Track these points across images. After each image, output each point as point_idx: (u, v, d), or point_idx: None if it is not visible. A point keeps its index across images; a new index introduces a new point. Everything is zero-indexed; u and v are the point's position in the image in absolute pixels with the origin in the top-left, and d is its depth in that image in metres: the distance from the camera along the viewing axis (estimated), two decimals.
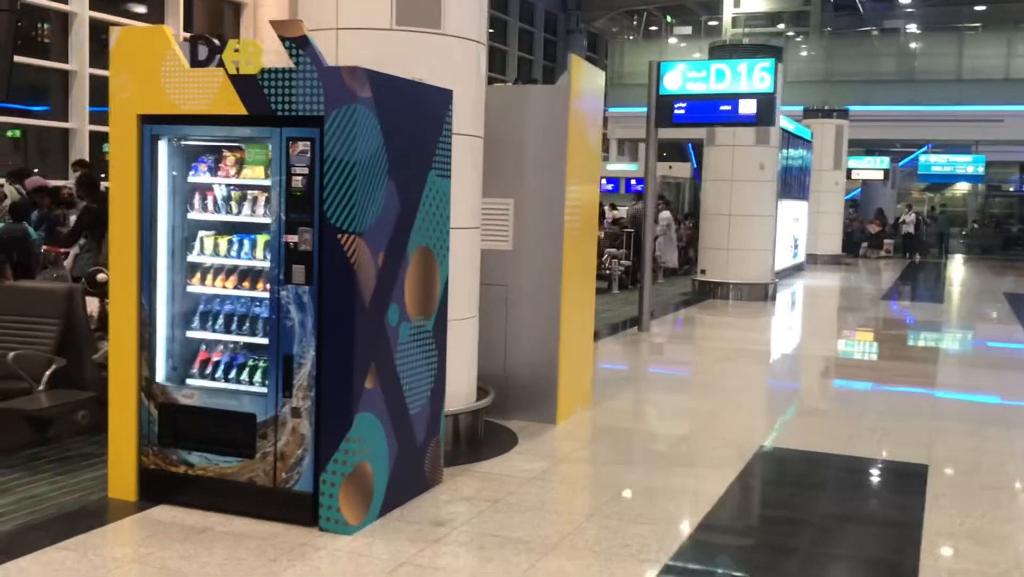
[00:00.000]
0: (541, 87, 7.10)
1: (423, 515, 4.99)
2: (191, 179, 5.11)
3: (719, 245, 16.62)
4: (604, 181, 37.66)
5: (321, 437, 4.71)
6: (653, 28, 44.90)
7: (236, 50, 4.71)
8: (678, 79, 11.71)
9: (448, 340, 5.97)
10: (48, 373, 5.88)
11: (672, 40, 42.30)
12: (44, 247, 9.67)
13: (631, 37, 44.21)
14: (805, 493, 5.66)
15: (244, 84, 4.72)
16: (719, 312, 15.06)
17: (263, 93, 4.68)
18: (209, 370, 5.12)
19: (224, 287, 5.07)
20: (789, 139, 20.20)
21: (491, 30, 40.21)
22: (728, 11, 38.98)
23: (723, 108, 11.51)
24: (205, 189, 5.11)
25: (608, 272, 17.34)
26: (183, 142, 5.09)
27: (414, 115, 5.08)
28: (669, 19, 41.62)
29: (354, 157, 4.59)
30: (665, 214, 18.93)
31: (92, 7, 15.66)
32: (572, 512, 5.19)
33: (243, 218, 5.00)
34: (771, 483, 5.98)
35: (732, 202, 16.39)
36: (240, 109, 4.75)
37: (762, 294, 16.56)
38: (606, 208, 26.04)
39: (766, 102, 11.37)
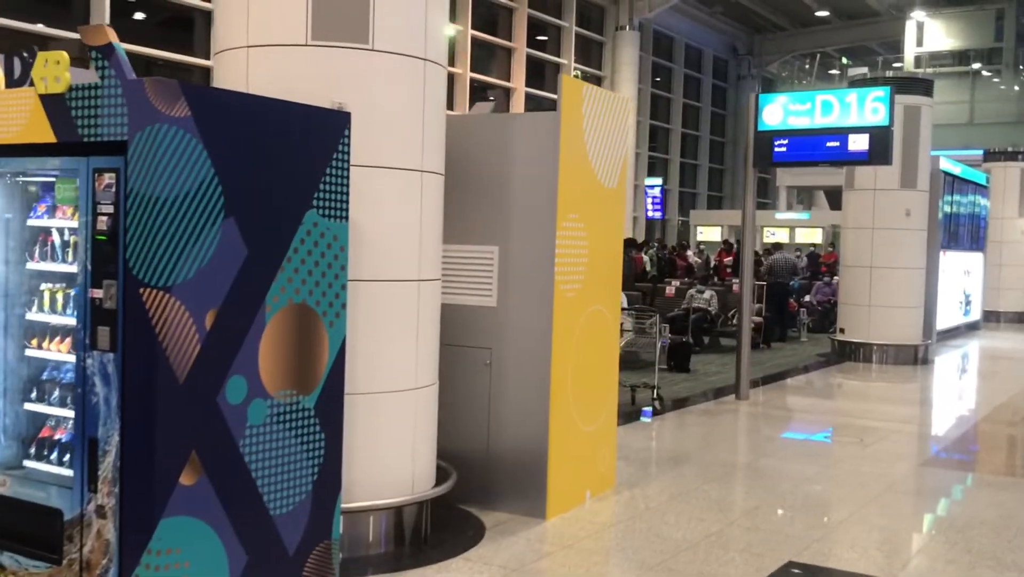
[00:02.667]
0: (529, 114, 6.00)
1: None
2: (30, 222, 4.30)
3: (859, 301, 14.80)
4: (771, 232, 35.80)
5: (123, 546, 3.73)
6: (833, 72, 42.65)
7: (45, 64, 3.87)
8: (778, 113, 10.29)
9: (379, 417, 4.97)
10: None
11: None
12: None
13: (805, 81, 42.11)
14: None
15: (53, 105, 3.87)
16: (849, 377, 13.29)
17: (71, 115, 3.81)
18: (46, 451, 4.25)
19: (59, 350, 4.20)
20: (954, 183, 18.05)
21: (657, 78, 39.13)
22: (910, 50, 36.41)
23: (830, 144, 10.00)
24: (45, 234, 4.28)
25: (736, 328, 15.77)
26: (19, 178, 4.28)
27: (277, 142, 4.08)
28: (845, 60, 39.33)
29: (160, 191, 3.64)
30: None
31: None
32: None
33: (75, 267, 4.12)
34: None
35: (874, 253, 14.57)
36: (50, 136, 3.90)
37: (911, 357, 14.60)
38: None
39: (880, 137, 9.79)
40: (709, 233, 36.22)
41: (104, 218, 3.75)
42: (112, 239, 3.73)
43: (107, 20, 15.77)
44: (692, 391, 11.03)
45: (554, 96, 27.37)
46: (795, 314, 18.01)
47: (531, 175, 5.82)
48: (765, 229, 36.34)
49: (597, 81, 35.22)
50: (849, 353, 14.86)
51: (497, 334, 5.93)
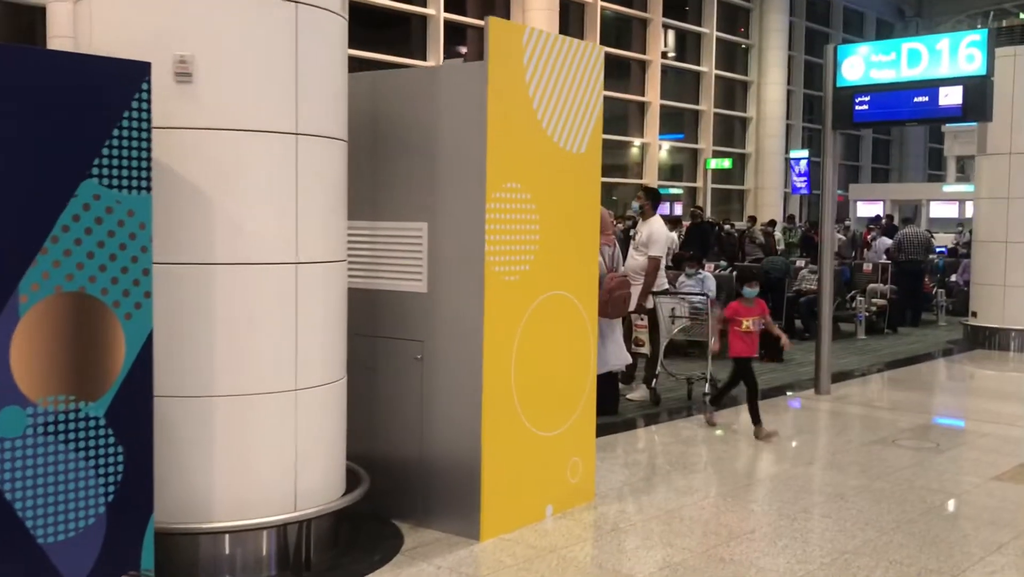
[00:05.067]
0: (456, 65, 5.10)
1: None
2: None
3: (994, 281, 13.09)
4: (938, 204, 33.23)
5: None
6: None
7: None
8: (859, 66, 8.96)
9: (245, 423, 4.28)
10: None
11: None
12: None
13: None
14: None
15: None
16: (972, 367, 11.71)
17: None
18: None
19: None
20: None
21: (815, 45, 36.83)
22: None
23: (918, 100, 8.62)
24: None
25: (855, 312, 14.27)
26: None
27: (32, 98, 3.41)
28: None
29: None
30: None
31: None
32: None
33: None
34: None
35: (1010, 226, 12.83)
36: None
37: None
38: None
39: (976, 88, 8.34)
40: (869, 209, 33.85)
41: None
42: None
43: None
44: (771, 384, 9.85)
45: (696, 67, 25.93)
46: (931, 295, 16.25)
47: (461, 138, 4.96)
48: (932, 204, 33.81)
49: (745, 51, 33.45)
50: (983, 340, 13.19)
51: (429, 324, 5.11)
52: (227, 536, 4.34)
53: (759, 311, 7.52)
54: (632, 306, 8.76)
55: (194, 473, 4.22)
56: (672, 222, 23.25)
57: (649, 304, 8.77)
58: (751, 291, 7.52)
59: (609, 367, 8.04)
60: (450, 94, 4.98)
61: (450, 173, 5.00)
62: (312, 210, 4.46)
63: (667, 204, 30.04)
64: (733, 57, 33.47)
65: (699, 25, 31.37)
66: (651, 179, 28.40)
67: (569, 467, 5.54)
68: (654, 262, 8.72)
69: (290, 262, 4.38)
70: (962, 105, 8.35)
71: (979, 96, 8.31)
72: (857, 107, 8.93)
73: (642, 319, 8.85)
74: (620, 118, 28.48)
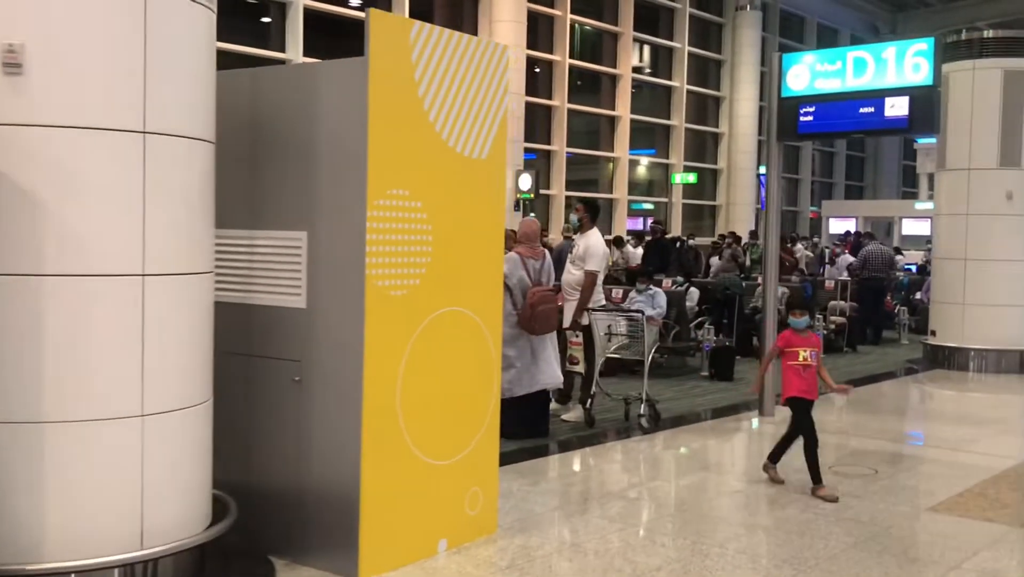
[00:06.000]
0: (335, 63, 4.70)
1: None
2: None
3: (953, 299, 12.80)
4: (911, 221, 33.12)
5: None
6: None
7: None
8: (804, 76, 8.64)
9: (81, 452, 3.88)
10: None
11: None
12: None
13: None
14: None
15: None
16: (929, 388, 11.39)
17: None
18: None
19: None
20: None
21: None
22: None
23: (864, 111, 8.29)
24: None
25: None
26: None
27: None
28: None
29: None
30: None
31: None
32: None
33: None
34: None
35: (968, 243, 12.55)
36: None
37: (1015, 364, 12.51)
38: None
39: (923, 99, 8.01)
40: (842, 225, 33.64)
41: None
42: None
43: None
44: (717, 404, 9.49)
45: (668, 82, 25.45)
46: (892, 313, 15.95)
47: (342, 141, 4.56)
48: (904, 221, 33.67)
49: (717, 65, 33.25)
50: (942, 359, 12.88)
51: (308, 343, 4.70)
52: None
53: (815, 342, 6.43)
54: (567, 322, 8.42)
55: (19, 507, 3.80)
56: (637, 236, 22.98)
57: (585, 320, 8.40)
58: (798, 321, 6.39)
59: (540, 386, 7.69)
60: (331, 93, 4.59)
61: (331, 178, 4.60)
62: (164, 217, 4.05)
63: (640, 219, 29.84)
64: (705, 72, 33.26)
65: (671, 40, 31.14)
66: (621, 194, 28.10)
67: (468, 498, 5.13)
68: (590, 277, 8.36)
69: (135, 274, 3.96)
70: (908, 116, 8.03)
71: (926, 107, 7.98)
72: (802, 118, 8.62)
73: (577, 336, 8.48)
74: (592, 132, 28.18)
